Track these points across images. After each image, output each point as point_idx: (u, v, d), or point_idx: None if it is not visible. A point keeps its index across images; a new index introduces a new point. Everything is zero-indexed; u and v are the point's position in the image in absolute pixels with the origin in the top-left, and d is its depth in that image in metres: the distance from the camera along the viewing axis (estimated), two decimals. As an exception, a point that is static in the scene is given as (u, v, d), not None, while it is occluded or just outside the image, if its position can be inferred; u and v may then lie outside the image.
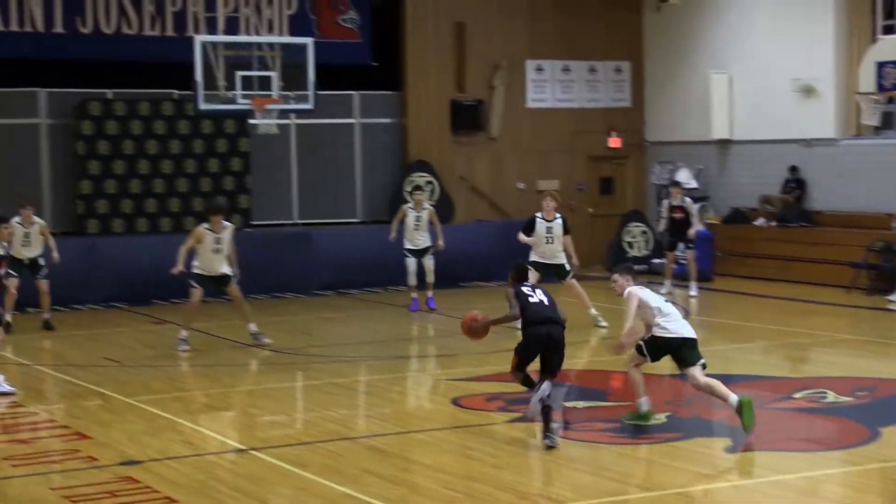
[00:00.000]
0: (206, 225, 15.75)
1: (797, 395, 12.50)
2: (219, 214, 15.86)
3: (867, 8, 21.97)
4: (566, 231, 17.14)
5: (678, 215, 20.66)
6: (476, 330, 11.06)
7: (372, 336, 17.31)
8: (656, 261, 23.85)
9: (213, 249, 15.68)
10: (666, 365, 14.82)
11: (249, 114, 20.13)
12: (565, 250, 17.09)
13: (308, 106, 19.73)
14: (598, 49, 25.83)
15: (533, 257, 16.76)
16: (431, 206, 19.65)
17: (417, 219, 19.07)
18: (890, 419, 11.43)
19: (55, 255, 17.80)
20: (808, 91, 22.74)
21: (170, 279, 15.82)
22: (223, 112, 20.63)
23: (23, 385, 13.69)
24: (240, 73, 19.00)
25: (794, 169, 23.06)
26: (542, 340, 10.65)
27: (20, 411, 12.37)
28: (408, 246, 19.06)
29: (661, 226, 21.16)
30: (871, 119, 20.32)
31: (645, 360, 11.04)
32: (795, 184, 23.05)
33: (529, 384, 10.85)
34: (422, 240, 19.08)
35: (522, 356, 10.78)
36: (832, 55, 22.42)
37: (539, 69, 25.44)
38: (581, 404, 12.32)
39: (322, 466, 10.02)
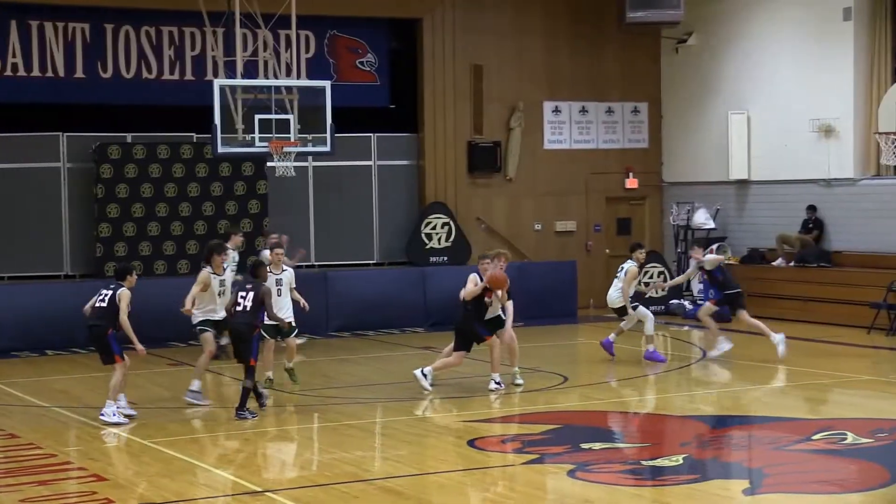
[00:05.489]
0: (209, 268, 15.04)
1: (816, 437, 12.41)
2: (221, 254, 15.21)
3: (887, 47, 21.99)
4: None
5: None
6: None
7: (388, 377, 17.28)
8: (674, 301, 23.82)
9: (217, 292, 15.07)
10: (682, 405, 14.76)
11: (267, 156, 20.22)
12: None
13: (326, 148, 19.73)
14: (615, 90, 25.89)
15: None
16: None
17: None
18: (910, 460, 11.34)
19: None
20: (827, 131, 22.73)
21: (185, 321, 15.70)
22: (241, 155, 20.72)
23: (40, 427, 13.73)
24: (258, 117, 19.02)
25: (812, 209, 23.01)
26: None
27: (38, 453, 12.38)
28: None
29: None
30: (890, 159, 20.25)
31: None
32: (814, 224, 22.99)
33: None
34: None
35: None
36: (851, 95, 22.42)
37: (556, 110, 25.51)
38: (597, 445, 12.25)
39: (337, 509, 9.98)
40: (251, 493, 10.60)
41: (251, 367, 13.89)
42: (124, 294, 13.83)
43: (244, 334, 14.00)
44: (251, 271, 14.47)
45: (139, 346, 13.93)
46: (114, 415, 13.75)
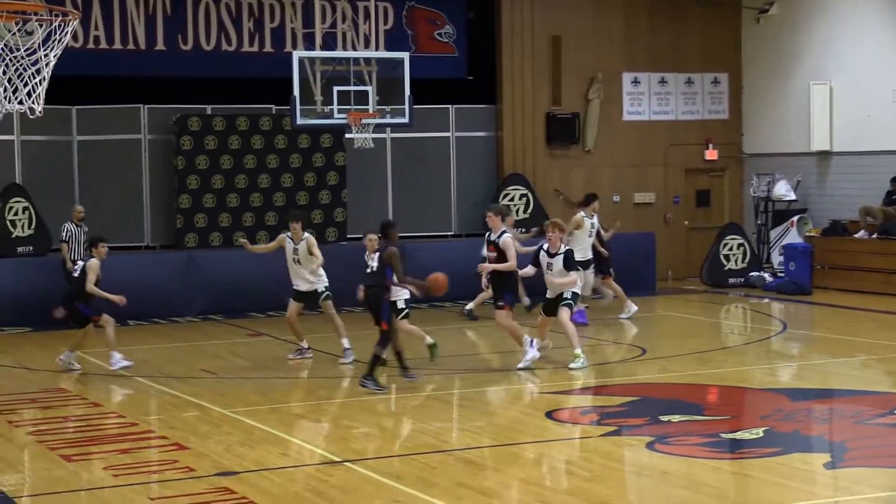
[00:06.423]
0: (287, 233, 15.88)
1: (899, 411, 12.26)
2: (297, 222, 15.78)
3: (972, 15, 21.58)
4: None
5: None
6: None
7: (466, 349, 17.30)
8: (753, 274, 23.58)
9: (292, 259, 15.74)
10: (761, 378, 14.63)
11: (346, 128, 20.31)
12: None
13: (404, 120, 19.78)
14: (695, 61, 25.62)
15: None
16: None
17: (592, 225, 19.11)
18: None
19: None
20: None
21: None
22: (320, 126, 20.83)
23: (123, 396, 13.94)
24: (336, 88, 19.11)
25: (896, 180, 22.66)
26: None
27: (121, 422, 12.57)
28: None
29: None
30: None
31: None
32: (898, 196, 22.63)
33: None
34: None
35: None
36: (936, 64, 22.04)
37: (635, 82, 25.31)
38: (676, 418, 12.19)
39: (416, 479, 10.03)
40: (330, 464, 10.69)
41: (384, 331, 13.77)
42: (91, 265, 14.86)
43: (374, 297, 14.00)
44: (382, 231, 14.42)
45: (116, 298, 14.86)
46: (120, 361, 15.09)
